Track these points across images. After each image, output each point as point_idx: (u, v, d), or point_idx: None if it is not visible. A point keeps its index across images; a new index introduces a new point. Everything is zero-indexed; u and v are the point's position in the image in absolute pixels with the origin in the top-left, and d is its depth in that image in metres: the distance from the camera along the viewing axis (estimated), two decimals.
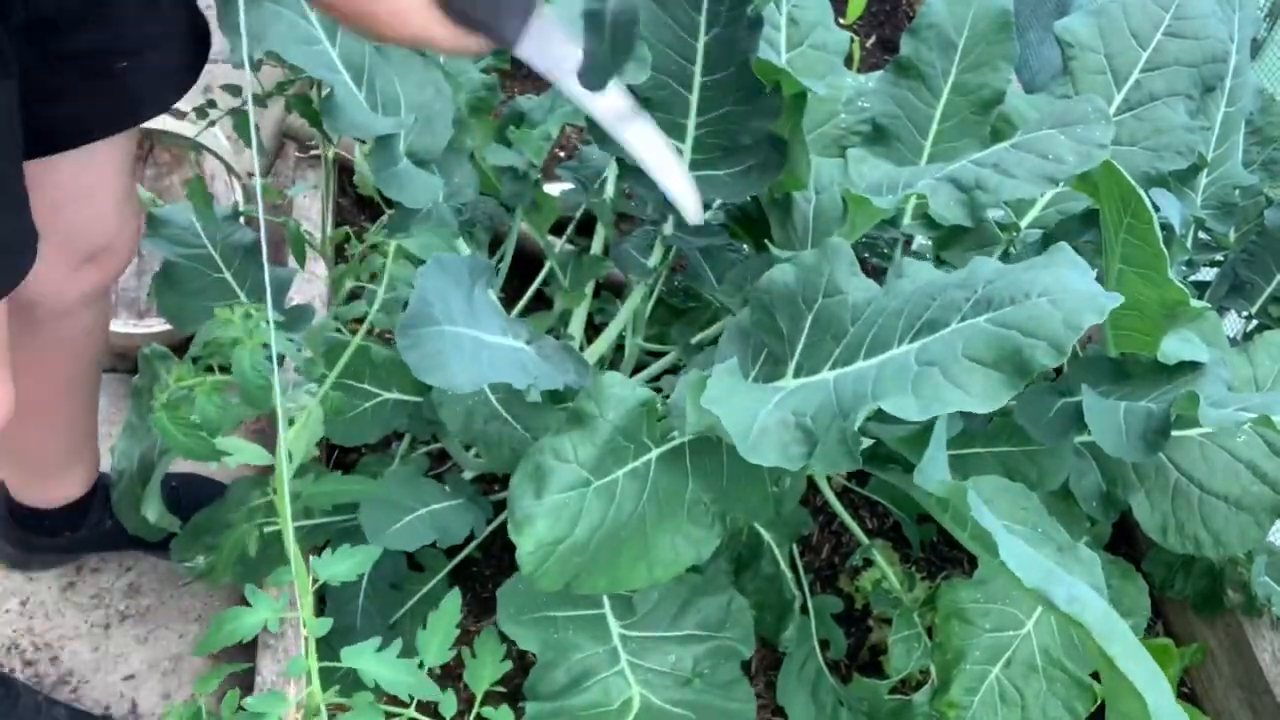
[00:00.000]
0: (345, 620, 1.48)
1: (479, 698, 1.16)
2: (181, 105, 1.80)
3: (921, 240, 1.73)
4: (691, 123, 1.43)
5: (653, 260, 1.58)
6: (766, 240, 1.54)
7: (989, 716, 1.29)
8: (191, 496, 1.65)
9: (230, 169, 1.88)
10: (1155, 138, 1.56)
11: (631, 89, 1.39)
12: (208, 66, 1.20)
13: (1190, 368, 1.29)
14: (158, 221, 1.53)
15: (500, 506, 1.60)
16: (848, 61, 2.30)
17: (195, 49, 1.16)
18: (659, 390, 1.32)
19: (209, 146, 1.77)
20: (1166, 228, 1.41)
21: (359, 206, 2.20)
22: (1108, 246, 1.33)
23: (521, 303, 1.94)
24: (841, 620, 1.73)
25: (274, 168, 2.16)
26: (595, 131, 1.36)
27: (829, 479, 1.79)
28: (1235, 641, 1.70)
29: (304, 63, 1.21)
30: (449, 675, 1.58)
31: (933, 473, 0.95)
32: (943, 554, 1.91)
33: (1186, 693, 1.79)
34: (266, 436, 1.84)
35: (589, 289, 1.72)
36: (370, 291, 1.31)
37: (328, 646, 0.95)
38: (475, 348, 1.06)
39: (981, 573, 1.37)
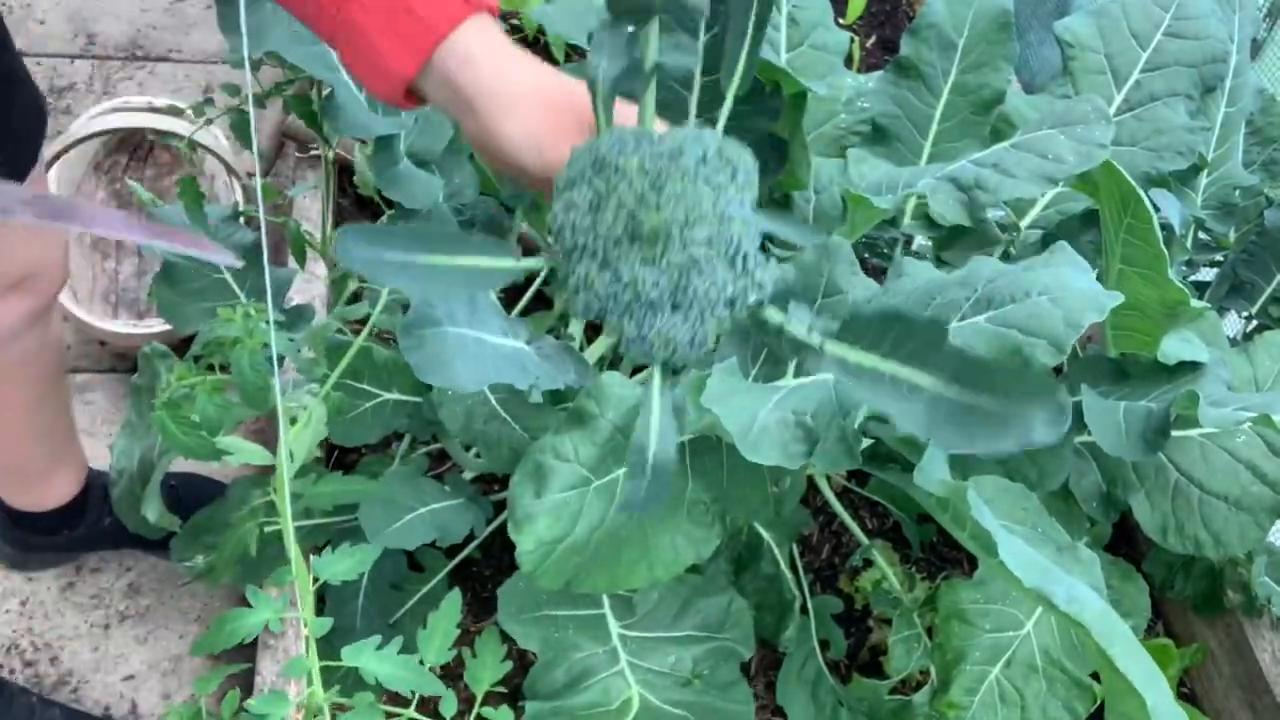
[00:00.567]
0: (345, 620, 1.48)
1: (479, 698, 1.16)
2: (181, 105, 1.81)
3: (921, 240, 1.73)
4: (691, 123, 1.43)
5: None
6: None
7: (989, 717, 1.29)
8: (192, 496, 1.65)
9: (230, 169, 1.88)
10: (1155, 138, 1.57)
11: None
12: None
13: (1190, 368, 1.29)
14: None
15: (500, 506, 1.60)
16: (848, 61, 2.30)
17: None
18: None
19: (208, 146, 1.77)
20: (1166, 228, 1.41)
21: (359, 206, 2.20)
22: (1108, 246, 1.33)
23: (522, 303, 1.94)
24: (841, 620, 1.73)
25: (274, 168, 2.16)
26: None
27: (829, 479, 1.79)
28: (1235, 642, 1.70)
29: (304, 63, 1.21)
30: (449, 675, 1.58)
31: (932, 472, 0.95)
32: (943, 554, 1.91)
33: (1186, 693, 1.79)
34: (267, 436, 1.84)
35: None
36: (371, 293, 1.31)
37: (328, 646, 0.95)
38: (478, 348, 1.06)
39: (981, 573, 1.37)
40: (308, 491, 1.19)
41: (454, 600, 1.11)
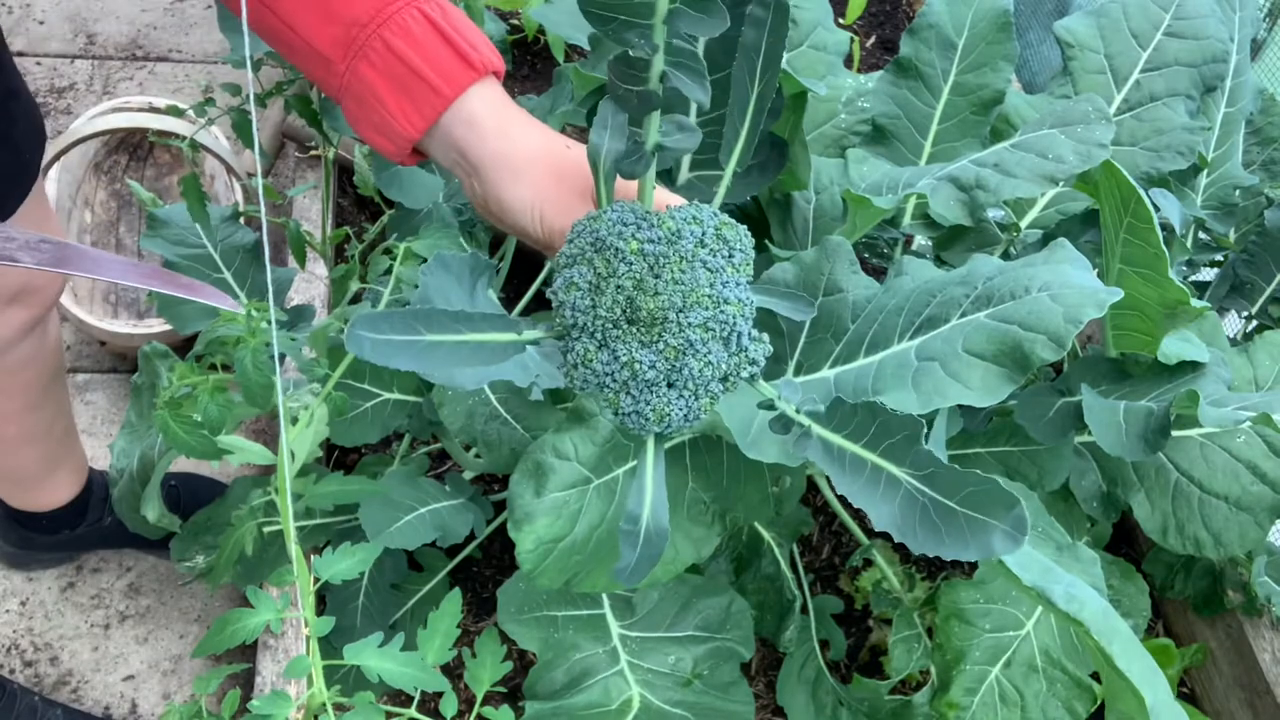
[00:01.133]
0: (346, 620, 1.48)
1: (479, 698, 1.16)
2: (181, 105, 1.81)
3: (921, 240, 1.73)
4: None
5: None
6: (766, 240, 1.54)
7: (989, 717, 1.29)
8: (191, 496, 1.65)
9: (230, 169, 1.88)
10: (1155, 138, 1.56)
11: None
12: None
13: (1190, 367, 1.29)
14: (157, 222, 1.53)
15: (500, 506, 1.60)
16: (848, 61, 2.30)
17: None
18: None
19: (208, 147, 1.77)
20: (1166, 228, 1.41)
21: (359, 206, 2.20)
22: (1108, 246, 1.33)
23: (522, 303, 1.94)
24: (841, 620, 1.73)
25: (274, 168, 2.16)
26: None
27: (829, 478, 1.79)
28: (1235, 642, 1.70)
29: None
30: (449, 675, 1.58)
31: None
32: None
33: (1186, 693, 1.79)
34: (268, 436, 1.84)
35: None
36: (373, 292, 1.31)
37: (329, 646, 0.95)
38: None
39: (981, 573, 1.36)
40: (308, 491, 1.20)
41: (454, 600, 1.11)
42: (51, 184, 1.91)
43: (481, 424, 1.36)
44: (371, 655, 0.93)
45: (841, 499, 1.82)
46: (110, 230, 2.07)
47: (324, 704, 0.87)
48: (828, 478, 1.73)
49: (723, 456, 1.18)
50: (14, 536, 1.61)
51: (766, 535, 1.56)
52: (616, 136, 0.73)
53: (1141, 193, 1.21)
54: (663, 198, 0.79)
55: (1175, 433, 1.33)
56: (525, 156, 0.77)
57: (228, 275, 1.54)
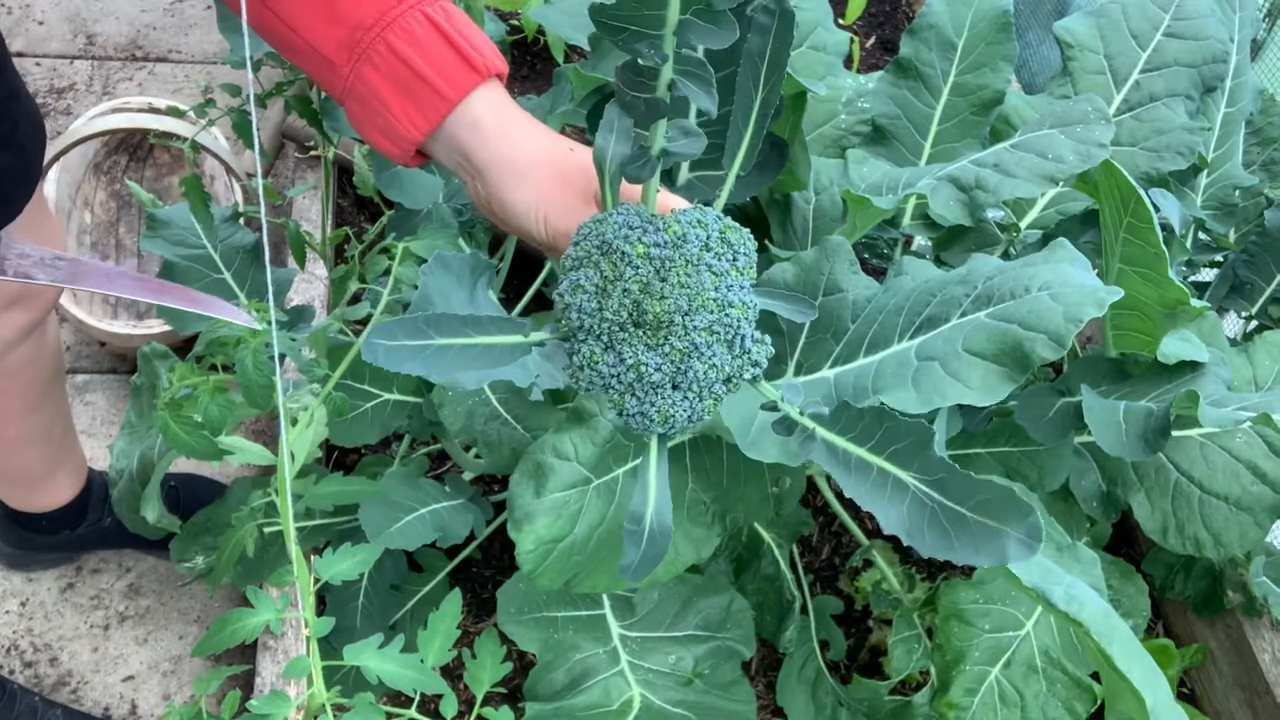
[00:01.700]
0: (345, 621, 1.48)
1: (479, 699, 1.16)
2: (181, 105, 1.81)
3: (921, 240, 1.73)
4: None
5: None
6: (766, 240, 1.54)
7: (989, 717, 1.29)
8: (191, 496, 1.65)
9: (230, 169, 1.88)
10: (1155, 138, 1.56)
11: None
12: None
13: (1190, 367, 1.29)
14: (157, 222, 1.53)
15: (500, 506, 1.60)
16: (848, 61, 2.30)
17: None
18: None
19: (208, 147, 1.77)
20: (1166, 228, 1.41)
21: (359, 207, 2.20)
22: (1108, 246, 1.33)
23: (522, 303, 1.94)
24: (841, 621, 1.73)
25: (274, 168, 2.16)
26: None
27: (829, 479, 1.79)
28: (1235, 642, 1.70)
29: None
30: (449, 676, 1.58)
31: None
32: None
33: (1186, 693, 1.79)
34: (268, 437, 1.84)
35: None
36: (372, 293, 1.31)
37: (329, 647, 0.95)
38: None
39: (981, 573, 1.36)
40: (308, 492, 1.19)
41: (454, 600, 1.11)
42: (51, 184, 1.91)
43: (481, 424, 1.36)
44: (371, 656, 0.93)
45: (842, 499, 1.82)
46: (110, 231, 2.07)
47: (323, 705, 0.87)
48: (828, 477, 1.73)
49: (723, 457, 1.18)
50: (14, 537, 1.61)
51: (766, 536, 1.56)
52: (622, 141, 0.74)
53: (1141, 193, 1.21)
54: (666, 200, 0.79)
55: (1175, 433, 1.33)
56: (529, 159, 0.77)
57: (227, 276, 1.54)
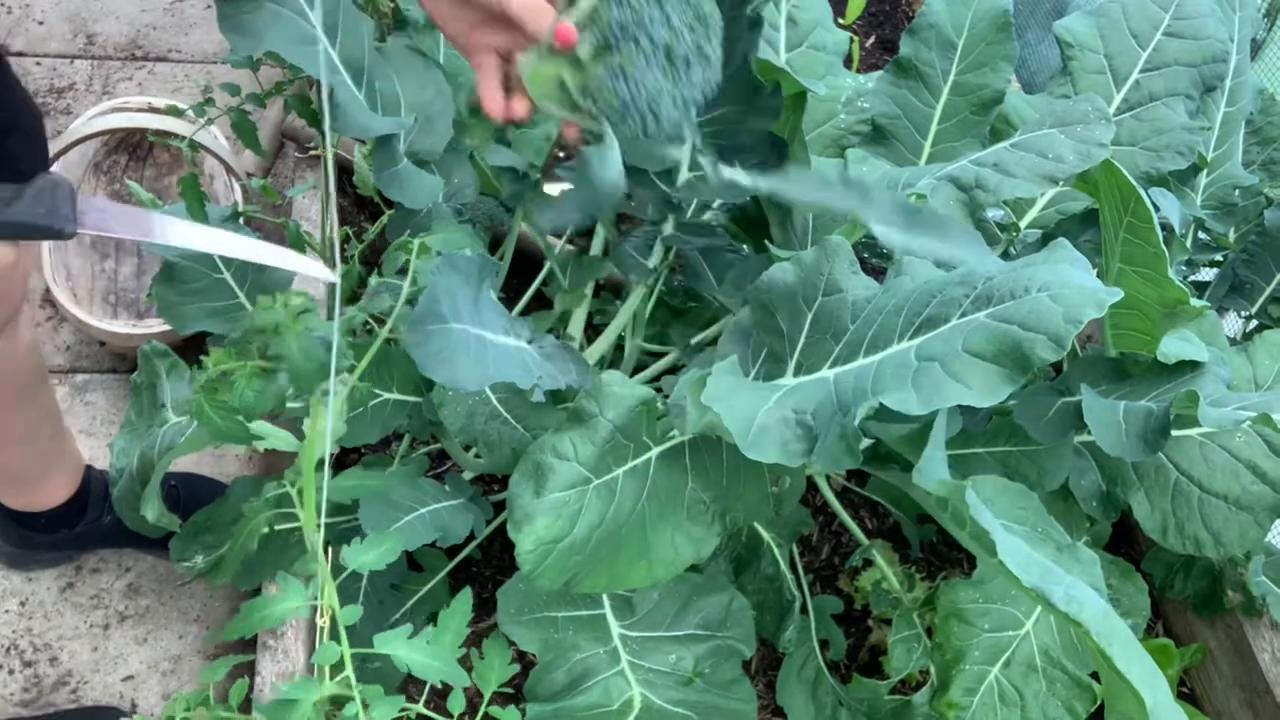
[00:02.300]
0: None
1: (486, 697, 1.16)
2: (180, 105, 1.81)
3: None
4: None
5: (653, 261, 1.58)
6: (766, 240, 1.54)
7: (988, 717, 1.29)
8: (191, 495, 1.65)
9: (229, 169, 1.88)
10: (1155, 138, 1.57)
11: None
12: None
13: (1190, 367, 1.29)
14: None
15: (500, 506, 1.60)
16: (847, 61, 2.30)
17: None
18: (659, 390, 1.32)
19: (208, 146, 1.77)
20: (1166, 228, 1.41)
21: (359, 206, 2.20)
22: (1107, 246, 1.33)
23: (521, 303, 1.94)
24: (841, 620, 1.73)
25: (273, 168, 2.16)
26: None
27: (829, 479, 1.79)
28: (1235, 642, 1.70)
29: (304, 63, 1.21)
30: None
31: (932, 472, 0.95)
32: (942, 554, 1.91)
33: (1186, 693, 1.79)
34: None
35: (589, 289, 1.72)
36: (390, 287, 1.31)
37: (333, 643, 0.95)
38: (480, 346, 1.06)
39: (981, 573, 1.36)
40: (329, 484, 1.20)
41: (465, 598, 1.12)
42: None
43: (481, 424, 1.36)
44: (401, 646, 0.94)
45: (842, 499, 1.82)
46: None
47: (349, 695, 0.87)
48: (828, 477, 1.73)
49: (722, 457, 1.18)
50: (13, 536, 1.61)
51: (766, 535, 1.56)
52: None
53: (1141, 192, 1.21)
54: None
55: (1175, 432, 1.33)
56: None
57: (227, 275, 1.54)
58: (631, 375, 1.67)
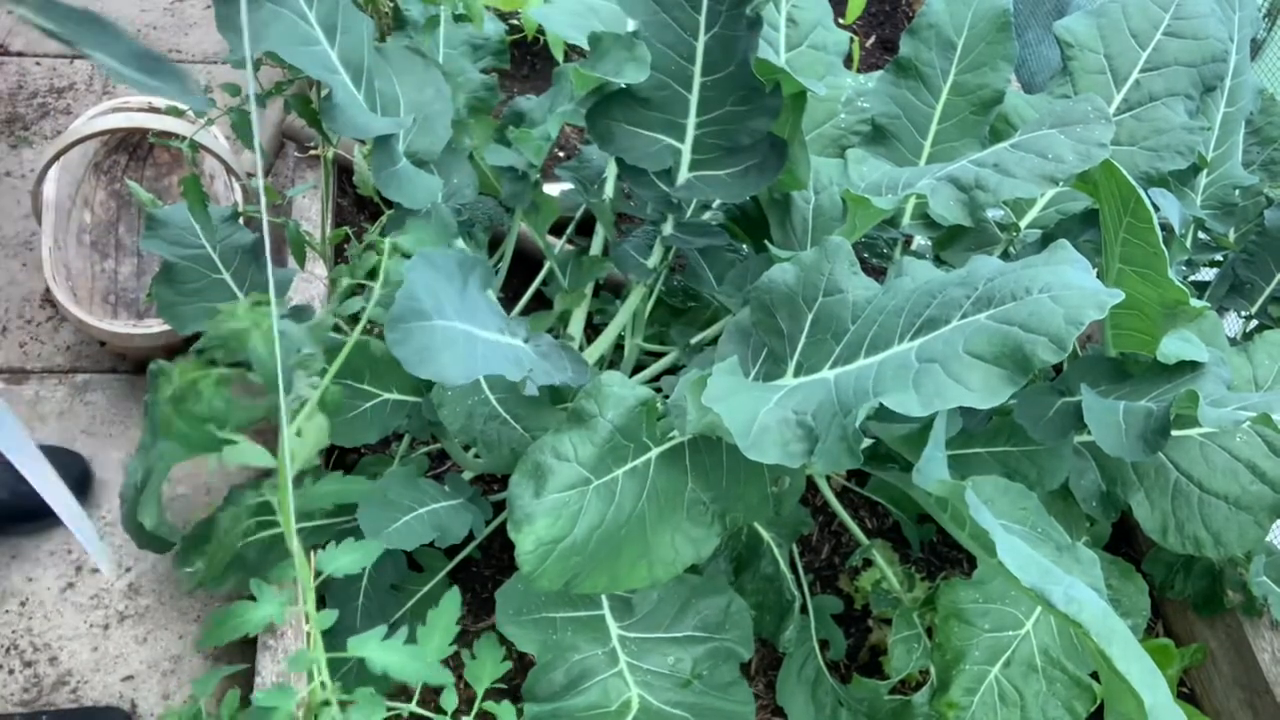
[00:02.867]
0: (346, 620, 1.48)
1: (479, 696, 1.16)
2: (181, 105, 1.80)
3: (921, 240, 1.73)
4: (691, 123, 1.43)
5: (652, 260, 1.58)
6: (766, 240, 1.54)
7: (988, 716, 1.29)
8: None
9: (229, 169, 1.88)
10: (1155, 138, 1.56)
11: (630, 89, 1.40)
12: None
13: (1190, 367, 1.29)
14: (156, 222, 1.52)
15: (500, 506, 1.60)
16: (847, 61, 2.30)
17: None
18: (659, 390, 1.32)
19: (208, 147, 1.77)
20: (1166, 228, 1.41)
21: (359, 206, 2.20)
22: (1107, 246, 1.33)
23: (521, 303, 1.94)
24: (841, 620, 1.73)
25: (273, 168, 2.16)
26: None
27: (829, 479, 1.79)
28: (1235, 642, 1.70)
29: (303, 63, 1.21)
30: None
31: (931, 472, 0.95)
32: (942, 554, 1.91)
33: (1186, 693, 1.79)
34: (268, 439, 1.84)
35: (588, 289, 1.72)
36: (367, 289, 1.31)
37: (329, 645, 0.95)
38: (468, 342, 1.06)
39: (981, 573, 1.36)
40: (308, 491, 1.19)
41: (453, 598, 1.11)
42: (51, 184, 1.91)
43: (481, 424, 1.36)
44: (375, 648, 0.93)
45: (842, 499, 1.82)
46: (110, 230, 2.07)
47: (327, 699, 0.87)
48: (828, 477, 1.73)
49: (722, 457, 1.18)
50: None
51: (766, 535, 1.56)
52: None
53: (1141, 192, 1.21)
54: None
55: (1175, 432, 1.33)
56: None
57: (226, 275, 1.54)
58: (631, 375, 1.67)
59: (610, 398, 1.15)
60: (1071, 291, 0.89)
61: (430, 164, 1.41)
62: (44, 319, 1.99)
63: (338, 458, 1.82)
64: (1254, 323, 1.77)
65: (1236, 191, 1.70)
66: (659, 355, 1.79)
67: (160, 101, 1.95)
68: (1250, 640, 1.66)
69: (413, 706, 0.99)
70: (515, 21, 2.53)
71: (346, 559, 1.02)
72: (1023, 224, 1.68)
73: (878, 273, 1.43)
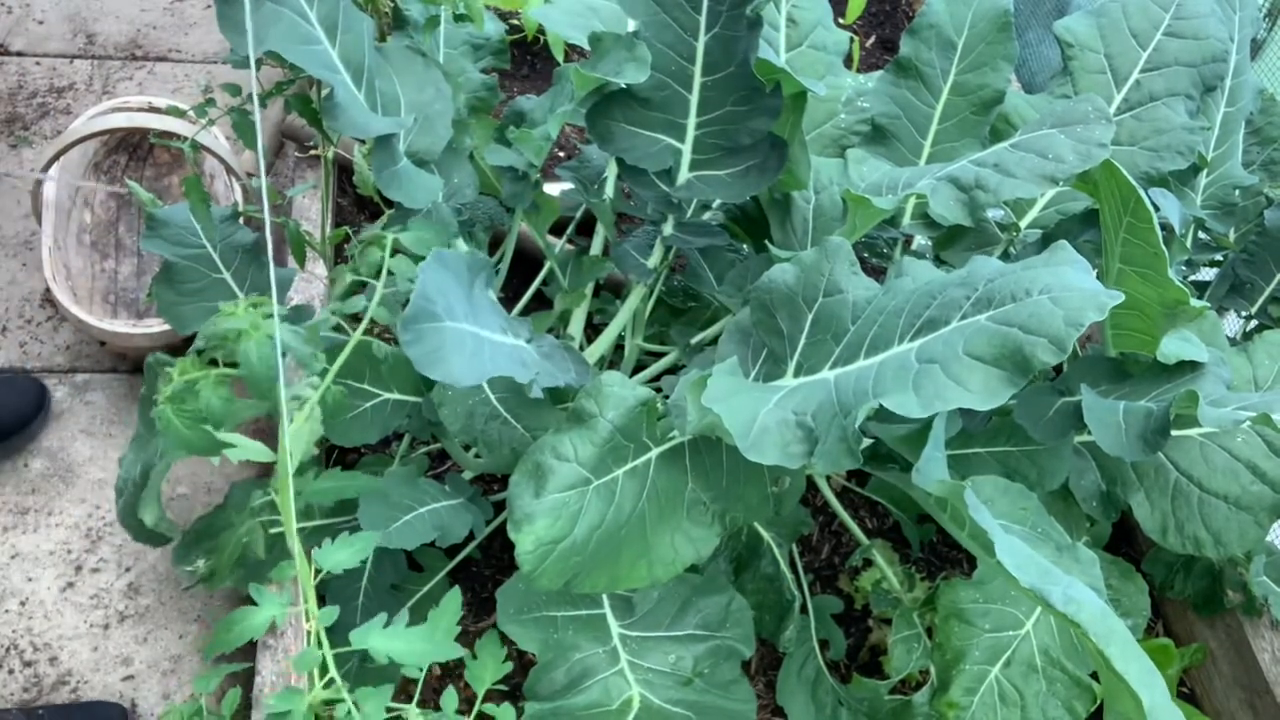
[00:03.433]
0: (345, 619, 1.48)
1: (480, 696, 1.16)
2: (181, 105, 1.80)
3: (921, 240, 1.73)
4: (691, 123, 1.43)
5: (652, 260, 1.58)
6: (766, 240, 1.54)
7: (988, 716, 1.29)
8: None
9: (230, 168, 1.88)
10: (1155, 138, 1.56)
11: (631, 89, 1.40)
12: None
13: (1189, 367, 1.29)
14: (157, 222, 1.52)
15: (500, 506, 1.60)
16: (847, 61, 2.30)
17: None
18: (659, 390, 1.32)
19: (208, 146, 1.77)
20: (1166, 228, 1.41)
21: (359, 206, 2.20)
22: (1107, 246, 1.33)
23: (521, 303, 1.94)
24: (841, 620, 1.73)
25: (274, 167, 2.16)
26: None
27: (829, 479, 1.79)
28: (1235, 642, 1.70)
29: (304, 63, 1.21)
30: (450, 674, 1.58)
31: (931, 472, 0.95)
32: (942, 554, 1.91)
33: (1186, 693, 1.79)
34: (266, 436, 1.84)
35: (589, 289, 1.72)
36: (369, 287, 1.31)
37: (330, 644, 0.95)
38: (476, 344, 1.06)
39: (980, 573, 1.36)
40: (309, 487, 1.19)
41: (454, 597, 1.11)
42: (51, 184, 1.91)
43: (481, 424, 1.36)
44: (378, 637, 0.93)
45: (842, 498, 1.82)
46: (110, 230, 2.07)
47: (339, 697, 0.87)
48: (827, 477, 1.73)
49: (722, 457, 1.18)
50: None
51: (766, 535, 1.56)
52: None
53: (1141, 193, 1.21)
54: None
55: (1175, 432, 1.33)
56: None
57: (227, 275, 1.54)
58: (631, 375, 1.67)
59: (610, 398, 1.15)
60: (1071, 293, 0.89)
61: (431, 163, 1.41)
62: (44, 319, 1.99)
63: (338, 458, 1.82)
64: (1254, 323, 1.77)
65: (1236, 191, 1.70)
66: (659, 355, 1.79)
67: (160, 101, 1.95)
68: (1250, 640, 1.67)
69: (412, 707, 0.99)
70: (515, 21, 2.53)
71: (344, 554, 1.02)
72: (1023, 224, 1.68)
73: (878, 273, 1.43)
